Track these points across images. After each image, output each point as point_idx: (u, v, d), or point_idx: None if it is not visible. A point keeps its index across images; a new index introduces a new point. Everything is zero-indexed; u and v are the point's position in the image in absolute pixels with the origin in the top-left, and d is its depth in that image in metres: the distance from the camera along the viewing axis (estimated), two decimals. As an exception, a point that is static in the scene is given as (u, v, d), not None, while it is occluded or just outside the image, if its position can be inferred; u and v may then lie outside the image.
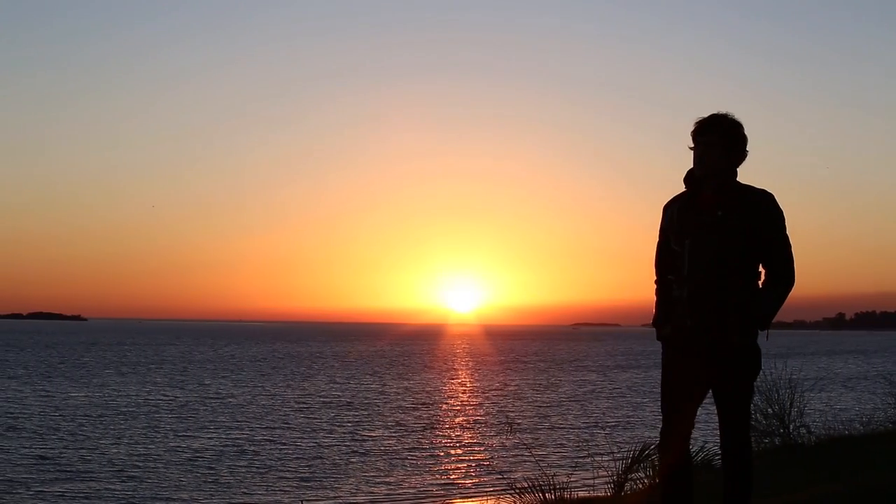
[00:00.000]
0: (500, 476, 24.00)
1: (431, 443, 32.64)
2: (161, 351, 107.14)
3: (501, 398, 50.88)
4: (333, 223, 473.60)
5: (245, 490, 23.48)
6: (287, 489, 23.74)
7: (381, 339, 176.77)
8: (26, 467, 25.78)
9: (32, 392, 49.09)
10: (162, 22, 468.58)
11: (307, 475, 25.65)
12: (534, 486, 11.93)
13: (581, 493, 12.87)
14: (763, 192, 7.01)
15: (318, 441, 32.36)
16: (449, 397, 51.33)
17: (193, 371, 70.62)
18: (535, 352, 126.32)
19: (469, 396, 51.92)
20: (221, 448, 30.19)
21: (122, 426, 35.29)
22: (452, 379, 66.92)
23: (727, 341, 6.90)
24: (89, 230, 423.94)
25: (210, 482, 24.33)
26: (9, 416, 38.06)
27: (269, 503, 22.39)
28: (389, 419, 39.52)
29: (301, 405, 45.01)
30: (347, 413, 41.69)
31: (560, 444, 31.61)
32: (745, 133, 7.07)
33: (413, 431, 35.59)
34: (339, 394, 51.91)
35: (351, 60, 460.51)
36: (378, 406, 45.19)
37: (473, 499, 22.61)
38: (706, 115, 7.10)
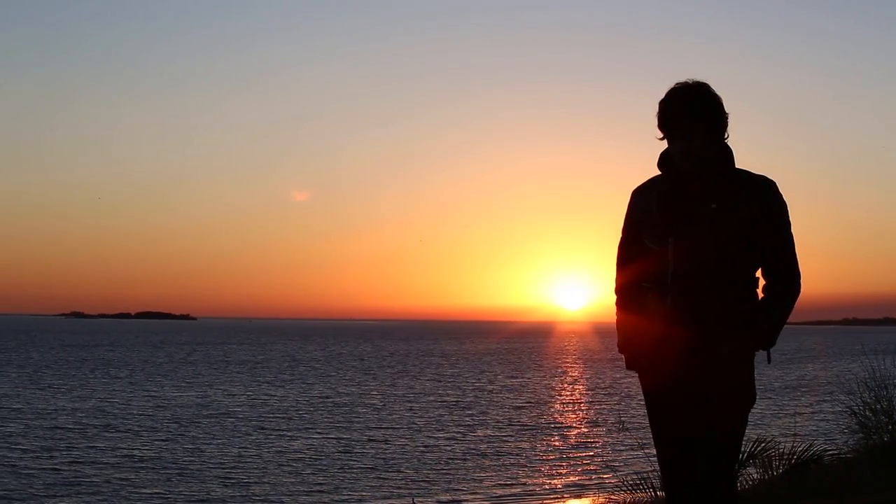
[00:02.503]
0: (612, 473, 23.87)
1: (543, 441, 32.07)
2: (269, 350, 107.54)
3: (611, 396, 50.22)
4: (442, 222, 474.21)
5: (354, 490, 23.14)
6: (397, 489, 23.37)
7: (491, 338, 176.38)
8: (134, 469, 25.54)
9: (137, 392, 49.14)
10: (262, 16, 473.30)
11: (418, 475, 25.28)
12: (645, 482, 11.89)
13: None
14: (763, 178, 5.65)
15: (427, 440, 32.00)
16: (559, 396, 50.65)
17: (300, 370, 70.50)
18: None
19: (579, 395, 51.24)
20: (329, 448, 29.91)
21: (228, 426, 35.11)
22: (562, 377, 66.20)
23: (722, 364, 5.54)
24: (198, 230, 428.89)
25: (318, 483, 24.01)
26: (112, 416, 37.96)
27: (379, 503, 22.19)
28: (500, 418, 38.97)
29: (410, 404, 44.66)
30: (457, 412, 41.26)
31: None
32: (715, 92, 5.65)
33: (524, 430, 35.04)
34: (449, 392, 51.54)
35: (458, 59, 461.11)
36: (488, 404, 44.69)
37: (586, 496, 22.27)
38: (666, 93, 5.65)
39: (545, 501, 22.05)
